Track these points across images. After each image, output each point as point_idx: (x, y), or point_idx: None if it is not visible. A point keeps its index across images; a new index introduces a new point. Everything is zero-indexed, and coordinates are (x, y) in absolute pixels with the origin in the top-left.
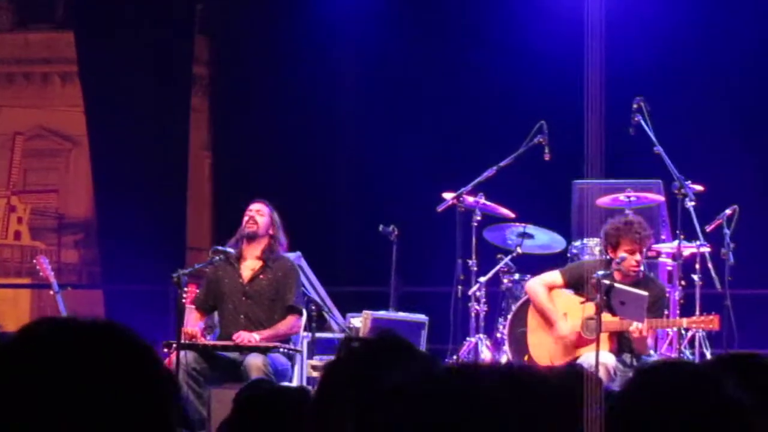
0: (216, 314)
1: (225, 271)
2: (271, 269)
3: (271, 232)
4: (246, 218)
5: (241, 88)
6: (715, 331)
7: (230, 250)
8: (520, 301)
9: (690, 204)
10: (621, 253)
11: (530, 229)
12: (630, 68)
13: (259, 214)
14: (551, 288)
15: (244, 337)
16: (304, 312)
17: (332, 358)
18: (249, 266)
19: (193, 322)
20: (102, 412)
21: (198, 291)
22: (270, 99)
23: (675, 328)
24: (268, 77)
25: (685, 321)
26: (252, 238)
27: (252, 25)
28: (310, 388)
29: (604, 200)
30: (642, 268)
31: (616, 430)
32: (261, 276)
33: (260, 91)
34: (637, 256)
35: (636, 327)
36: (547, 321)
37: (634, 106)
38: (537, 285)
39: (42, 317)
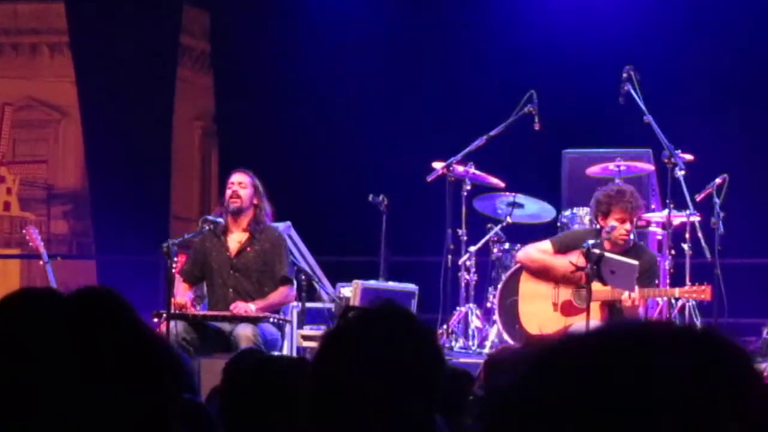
0: (205, 284)
1: (212, 244)
2: (258, 241)
3: (255, 201)
4: (228, 192)
5: (237, 60)
6: (706, 301)
7: (220, 220)
8: (510, 271)
9: (680, 173)
10: (611, 222)
11: (520, 198)
12: (620, 37)
13: (241, 186)
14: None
15: (240, 307)
16: (293, 282)
17: (323, 327)
18: (236, 239)
19: (182, 293)
20: (90, 392)
21: (185, 262)
22: (262, 72)
23: (665, 298)
24: (262, 51)
25: (677, 291)
26: (237, 213)
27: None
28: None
29: (593, 169)
30: (632, 237)
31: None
32: (248, 248)
33: (254, 64)
34: (627, 225)
35: (628, 296)
36: (543, 272)
37: (624, 75)
38: (528, 248)
39: (25, 287)
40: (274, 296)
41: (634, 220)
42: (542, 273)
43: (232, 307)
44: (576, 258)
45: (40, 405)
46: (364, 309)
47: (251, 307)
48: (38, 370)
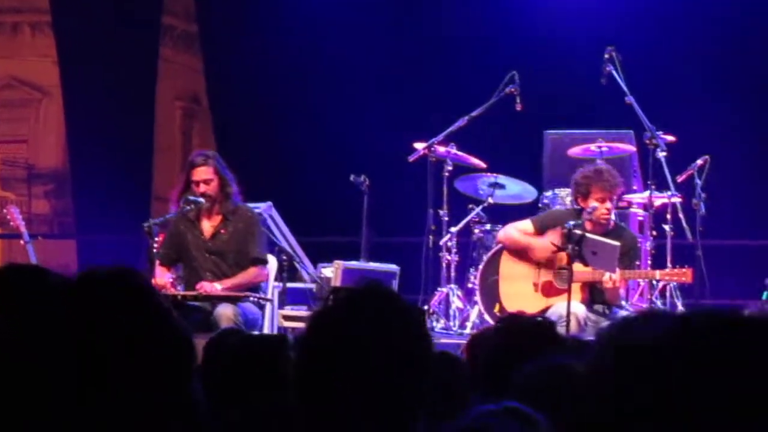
0: (182, 267)
1: (187, 228)
2: (231, 222)
3: (221, 185)
4: (197, 191)
5: (220, 41)
6: (687, 283)
7: (201, 200)
8: (492, 251)
9: (661, 154)
10: (591, 203)
11: (501, 179)
12: (602, 17)
13: (206, 183)
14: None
15: (206, 287)
16: (273, 260)
17: (304, 307)
18: (210, 223)
19: (161, 274)
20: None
21: (161, 245)
22: (243, 53)
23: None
24: (247, 31)
25: (658, 273)
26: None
27: None
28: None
29: (575, 150)
30: (613, 217)
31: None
32: (222, 231)
33: (238, 44)
34: (608, 204)
35: (609, 278)
36: (524, 253)
37: (606, 55)
38: (509, 229)
39: (10, 262)
40: (243, 276)
41: (615, 198)
42: (522, 253)
43: (198, 287)
44: (556, 239)
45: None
46: (351, 289)
47: (217, 287)
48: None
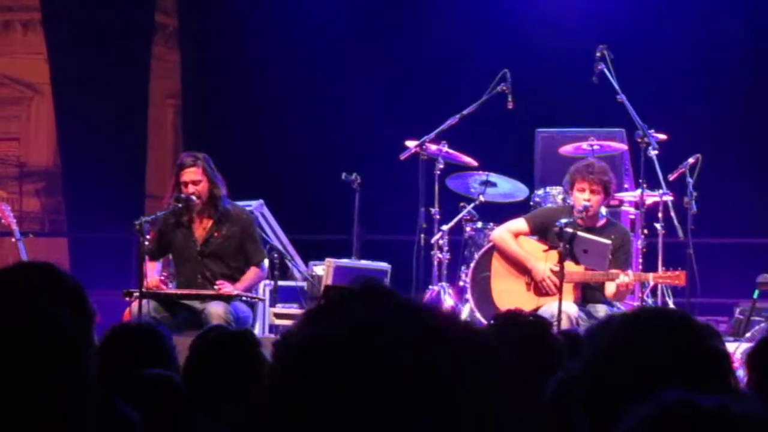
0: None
1: (179, 230)
2: (224, 225)
3: (209, 187)
4: (186, 192)
5: (207, 37)
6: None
7: (193, 197)
8: (483, 249)
9: (653, 153)
10: (575, 193)
11: (493, 177)
12: (593, 16)
13: (194, 184)
14: (517, 235)
15: (226, 287)
16: (266, 258)
17: (295, 305)
18: (201, 226)
19: (151, 271)
20: None
21: (150, 241)
22: (234, 49)
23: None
24: (232, 28)
25: (651, 276)
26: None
27: None
28: (251, 329)
29: (566, 148)
30: (604, 212)
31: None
32: (215, 234)
33: (224, 41)
34: (586, 194)
35: (622, 280)
36: (521, 267)
37: (598, 54)
38: (503, 233)
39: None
40: (251, 278)
41: (599, 191)
42: (512, 262)
43: (218, 284)
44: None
45: None
46: (345, 288)
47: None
48: None
